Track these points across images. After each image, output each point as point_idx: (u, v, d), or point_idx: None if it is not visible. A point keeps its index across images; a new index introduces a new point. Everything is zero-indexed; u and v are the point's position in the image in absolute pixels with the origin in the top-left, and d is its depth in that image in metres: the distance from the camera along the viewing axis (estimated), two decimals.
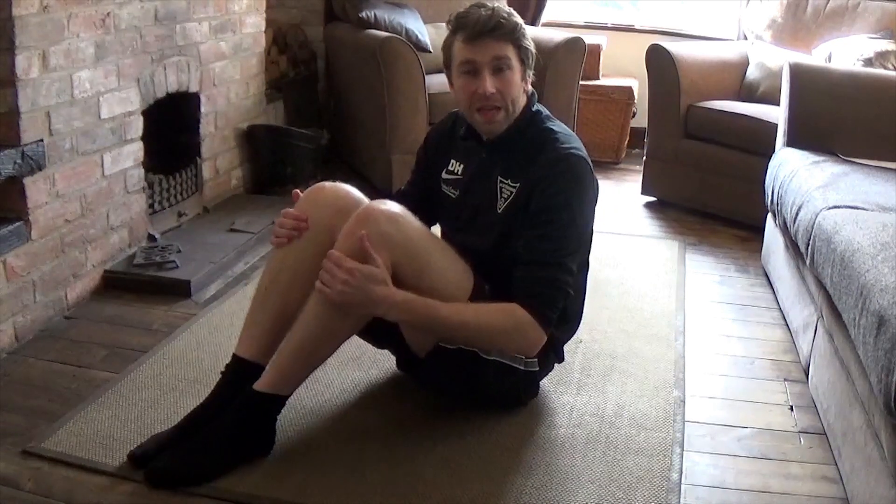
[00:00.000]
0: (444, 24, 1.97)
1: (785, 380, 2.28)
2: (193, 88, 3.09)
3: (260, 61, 3.64)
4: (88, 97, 2.46)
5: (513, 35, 1.85)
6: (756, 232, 3.20)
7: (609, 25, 4.80)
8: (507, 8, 1.89)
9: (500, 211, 1.91)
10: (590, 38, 4.09)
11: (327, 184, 1.97)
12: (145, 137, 2.79)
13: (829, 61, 3.48)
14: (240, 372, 1.84)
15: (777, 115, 3.07)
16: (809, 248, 2.17)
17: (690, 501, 1.75)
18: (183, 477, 1.70)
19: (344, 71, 4.08)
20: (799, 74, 2.93)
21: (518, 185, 1.89)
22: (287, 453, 1.82)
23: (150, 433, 1.82)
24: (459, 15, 1.86)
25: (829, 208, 2.17)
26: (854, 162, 2.66)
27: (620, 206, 3.77)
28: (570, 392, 2.13)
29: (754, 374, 2.31)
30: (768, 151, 3.00)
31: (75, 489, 1.69)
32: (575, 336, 2.15)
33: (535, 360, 1.94)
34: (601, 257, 2.97)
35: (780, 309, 2.70)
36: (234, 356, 1.87)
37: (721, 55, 3.91)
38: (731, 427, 2.04)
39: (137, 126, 2.74)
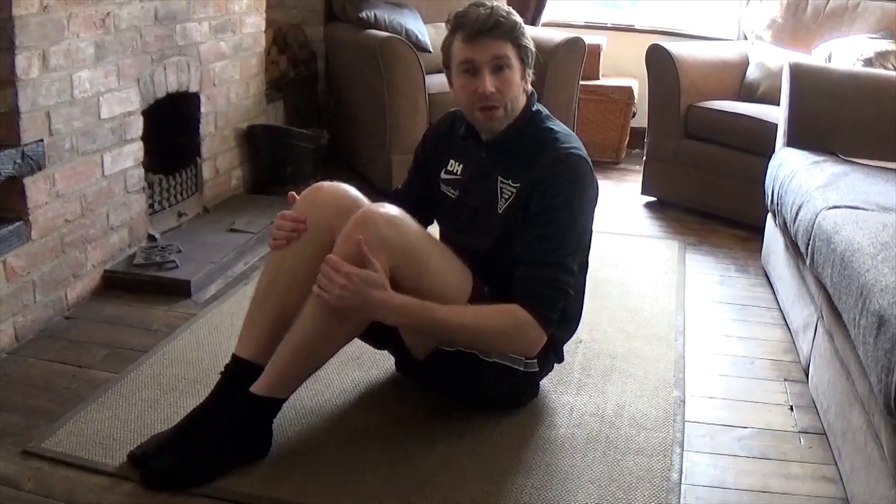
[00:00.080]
0: (444, 24, 1.97)
1: (785, 380, 2.28)
2: (193, 88, 3.09)
3: (260, 61, 3.64)
4: (88, 97, 2.46)
5: (512, 34, 1.84)
6: (756, 232, 3.20)
7: (609, 25, 4.80)
8: (506, 7, 1.89)
9: (500, 211, 1.91)
10: (590, 38, 4.09)
11: (325, 184, 1.96)
12: (145, 137, 2.79)
13: (829, 61, 3.48)
14: (239, 372, 1.84)
15: (777, 115, 3.07)
16: (809, 248, 2.17)
17: (690, 501, 1.75)
18: (178, 479, 1.69)
19: (344, 71, 4.08)
20: (799, 74, 2.93)
21: (518, 185, 1.88)
22: (287, 453, 1.82)
23: (150, 433, 1.82)
24: (458, 14, 1.86)
25: (829, 208, 2.17)
26: (854, 162, 2.66)
27: (620, 206, 3.76)
28: (570, 392, 2.13)
29: (754, 374, 2.31)
30: (768, 151, 3.00)
31: (75, 489, 1.69)
32: (575, 336, 2.15)
33: (535, 360, 1.94)
34: (601, 257, 2.97)
35: (780, 309, 2.70)
36: (234, 356, 1.87)
37: (721, 55, 3.91)
38: (731, 427, 2.04)
39: (137, 126, 2.74)
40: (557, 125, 1.95)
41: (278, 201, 3.23)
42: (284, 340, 1.79)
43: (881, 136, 2.75)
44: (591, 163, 1.90)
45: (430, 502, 1.69)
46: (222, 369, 1.87)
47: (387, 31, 3.74)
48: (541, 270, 1.81)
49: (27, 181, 2.23)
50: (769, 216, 2.95)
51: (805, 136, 2.86)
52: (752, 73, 3.83)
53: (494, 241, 1.91)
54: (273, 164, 3.62)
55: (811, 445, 1.97)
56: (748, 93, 3.79)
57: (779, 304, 2.73)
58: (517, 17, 1.87)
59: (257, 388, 1.76)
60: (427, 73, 3.56)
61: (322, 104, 4.40)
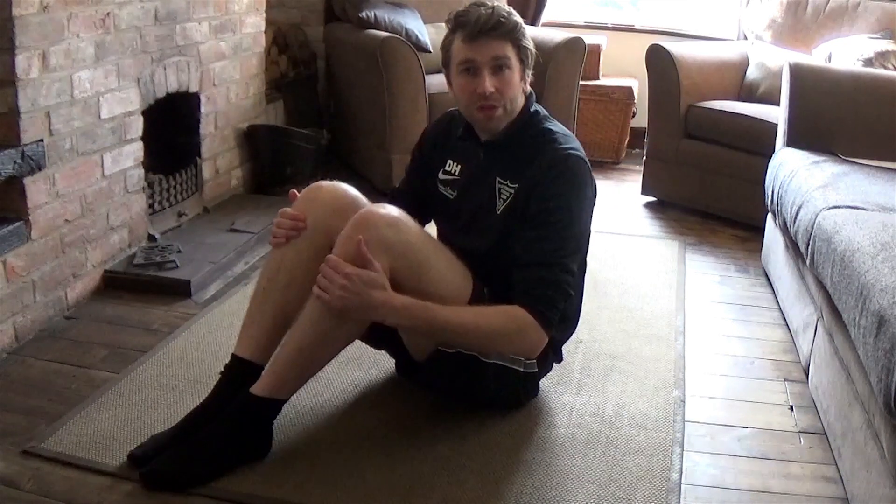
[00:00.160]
0: (443, 24, 1.97)
1: (785, 380, 2.28)
2: (193, 88, 3.09)
3: (260, 61, 3.64)
4: (88, 97, 2.46)
5: (512, 34, 1.84)
6: (756, 232, 3.20)
7: (609, 25, 4.80)
8: (506, 7, 1.88)
9: (498, 212, 1.91)
10: (590, 38, 4.09)
11: (325, 183, 1.96)
12: (145, 137, 2.79)
13: (829, 61, 3.48)
14: (239, 372, 1.84)
15: (777, 115, 3.07)
16: (809, 248, 2.17)
17: (690, 501, 1.75)
18: (177, 479, 1.69)
19: (344, 71, 4.08)
20: (799, 74, 2.93)
21: (517, 185, 1.88)
22: (287, 453, 1.82)
23: (150, 433, 1.82)
24: (459, 14, 1.85)
25: (829, 208, 2.17)
26: (854, 162, 2.66)
27: (620, 206, 3.76)
28: (569, 392, 2.13)
29: (754, 374, 2.31)
30: (768, 151, 3.00)
31: (75, 489, 1.69)
32: (575, 336, 2.15)
33: (535, 361, 1.93)
34: (601, 257, 2.97)
35: (780, 309, 2.70)
36: (234, 356, 1.87)
37: (721, 55, 3.91)
38: (731, 427, 2.04)
39: (137, 126, 2.74)
40: (556, 126, 1.94)
41: (278, 201, 3.23)
42: (284, 341, 1.79)
43: (881, 136, 2.75)
44: (589, 163, 1.90)
45: (430, 502, 1.69)
46: (222, 369, 1.87)
47: (387, 31, 3.74)
48: (541, 271, 1.81)
49: (27, 181, 2.23)
50: (769, 216, 2.95)
51: (805, 136, 2.86)
52: (752, 73, 3.83)
53: (494, 242, 1.91)
54: (273, 164, 3.62)
55: (811, 445, 1.97)
56: (748, 93, 3.79)
57: (779, 304, 2.73)
58: (518, 18, 1.87)
59: (257, 388, 1.76)
60: (427, 73, 3.56)
61: (322, 104, 4.39)
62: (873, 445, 1.64)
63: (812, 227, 2.18)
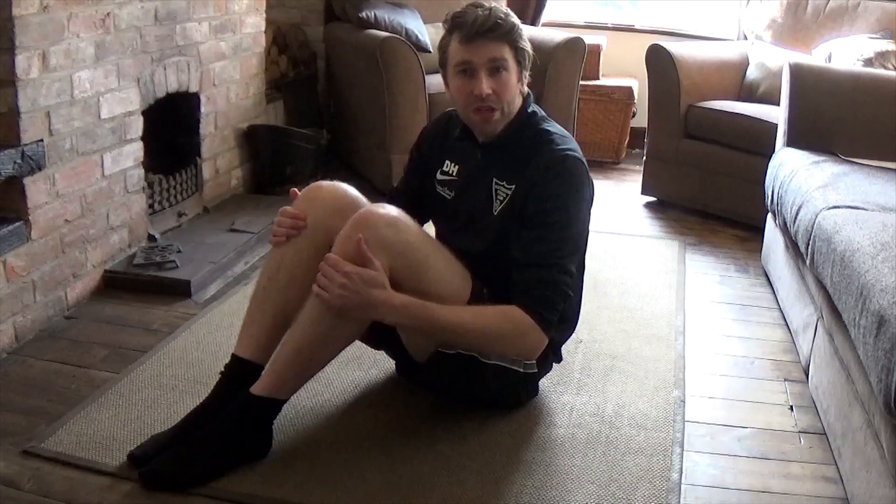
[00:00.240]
0: (442, 25, 1.96)
1: (785, 380, 2.28)
2: (193, 88, 3.09)
3: (260, 61, 3.64)
4: (88, 97, 2.46)
5: (510, 36, 1.83)
6: (756, 232, 3.20)
7: (609, 25, 4.80)
8: (504, 8, 1.88)
9: (495, 213, 1.91)
10: (590, 38, 4.09)
11: (325, 183, 1.96)
12: (145, 137, 2.79)
13: (829, 61, 3.48)
14: (239, 371, 1.84)
15: (777, 115, 3.07)
16: (809, 248, 2.17)
17: (690, 501, 1.75)
18: (177, 479, 1.69)
19: (344, 71, 4.08)
20: (799, 74, 2.93)
21: (514, 186, 1.88)
22: (287, 453, 1.82)
23: (150, 433, 1.82)
24: (456, 14, 1.85)
25: (829, 208, 2.17)
26: (854, 162, 2.66)
27: (620, 206, 3.76)
28: (569, 392, 2.13)
29: (754, 374, 2.31)
30: (768, 151, 3.00)
31: (75, 489, 1.69)
32: (575, 336, 2.15)
33: (534, 361, 1.93)
34: (601, 257, 2.98)
35: (780, 309, 2.70)
36: (234, 356, 1.87)
37: (721, 55, 3.91)
38: (731, 427, 2.04)
39: (137, 126, 2.74)
40: (553, 126, 1.94)
41: (278, 201, 3.22)
42: (284, 341, 1.79)
43: (881, 136, 2.76)
44: (586, 164, 1.90)
45: (430, 502, 1.69)
46: (222, 369, 1.87)
47: (387, 31, 3.74)
48: (539, 272, 1.81)
49: (27, 181, 2.23)
50: (769, 216, 2.95)
51: (805, 136, 2.86)
52: (752, 73, 3.83)
53: (491, 243, 1.91)
54: (273, 164, 3.62)
55: (811, 445, 1.97)
56: (748, 93, 3.79)
57: (779, 304, 2.73)
58: (515, 19, 1.86)
59: (257, 388, 1.76)
60: (427, 73, 3.56)
61: (322, 104, 4.40)
62: (873, 445, 1.64)
63: (812, 227, 2.18)
